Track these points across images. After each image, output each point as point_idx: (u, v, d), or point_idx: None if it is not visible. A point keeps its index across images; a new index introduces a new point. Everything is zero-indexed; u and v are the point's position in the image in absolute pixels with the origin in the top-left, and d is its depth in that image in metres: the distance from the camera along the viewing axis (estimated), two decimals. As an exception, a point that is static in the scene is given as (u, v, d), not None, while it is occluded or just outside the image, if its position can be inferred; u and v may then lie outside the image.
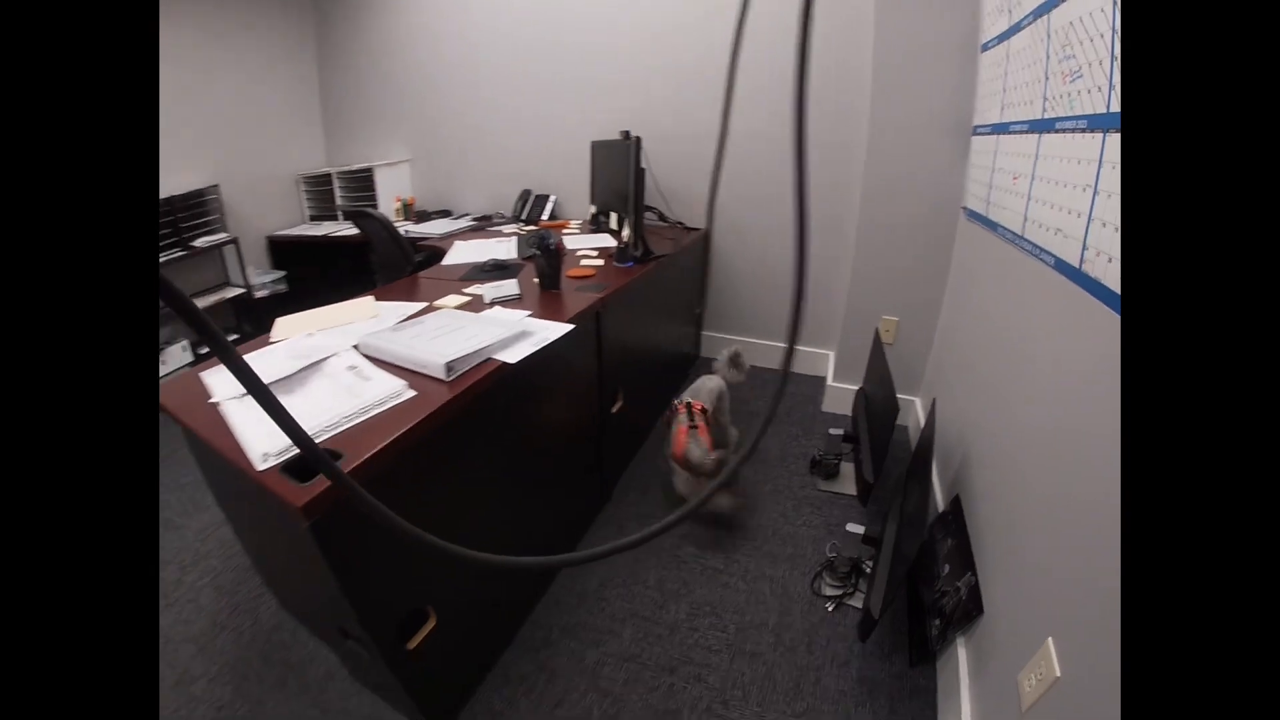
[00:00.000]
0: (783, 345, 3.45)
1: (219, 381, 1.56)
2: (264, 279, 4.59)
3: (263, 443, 1.20)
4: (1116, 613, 0.84)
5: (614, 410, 2.39)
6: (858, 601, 1.99)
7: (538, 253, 2.16)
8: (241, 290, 4.44)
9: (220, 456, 1.26)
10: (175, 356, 4.01)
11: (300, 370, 1.52)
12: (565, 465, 2.17)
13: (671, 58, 3.38)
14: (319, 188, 4.91)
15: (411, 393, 1.41)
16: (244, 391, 1.35)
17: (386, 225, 2.94)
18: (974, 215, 2.22)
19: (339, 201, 4.77)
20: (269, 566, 1.94)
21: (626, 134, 2.95)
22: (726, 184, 3.39)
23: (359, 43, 4.70)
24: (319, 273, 4.58)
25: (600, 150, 3.30)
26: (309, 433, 1.17)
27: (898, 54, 2.49)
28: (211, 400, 1.48)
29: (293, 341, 1.78)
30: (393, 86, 4.62)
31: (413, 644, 1.44)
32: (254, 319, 4.50)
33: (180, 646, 2.08)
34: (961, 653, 1.58)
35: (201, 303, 4.22)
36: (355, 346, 1.68)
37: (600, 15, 3.52)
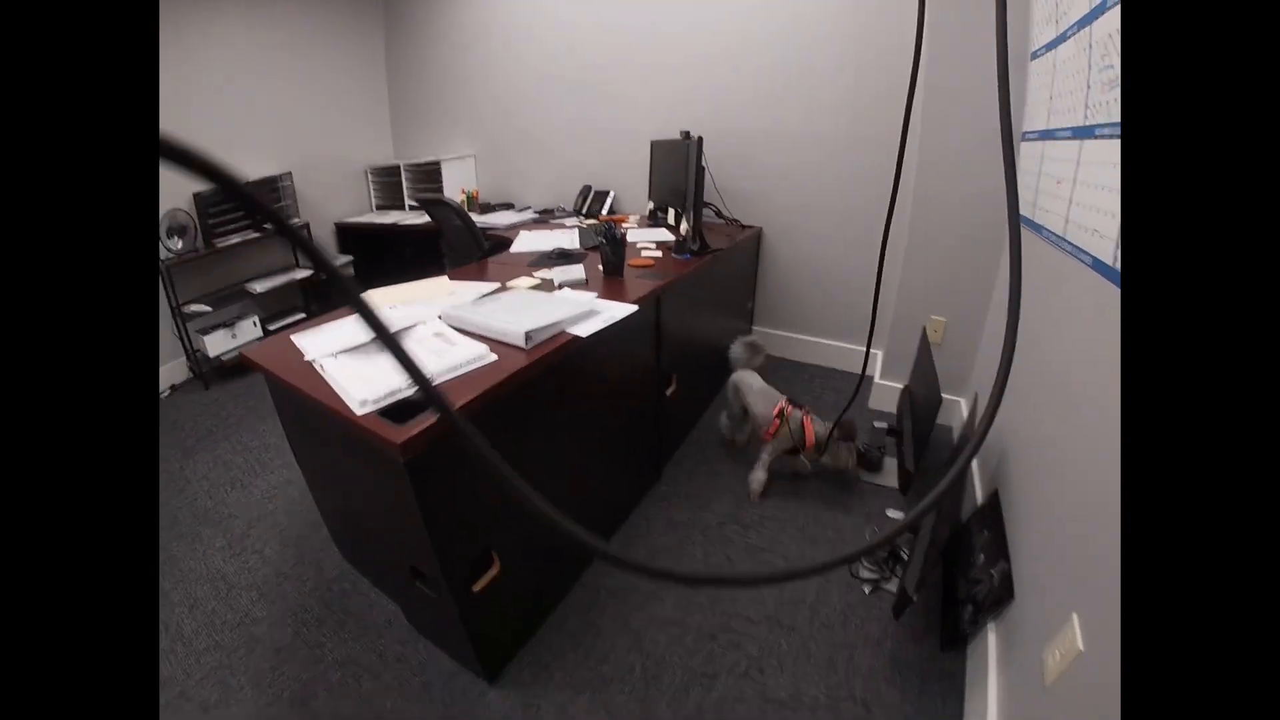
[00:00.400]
0: (831, 342, 3.54)
1: (312, 343, 1.72)
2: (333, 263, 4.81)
3: (361, 391, 1.36)
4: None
5: (668, 394, 2.51)
6: (894, 587, 2.07)
7: (604, 241, 2.30)
8: (310, 273, 4.67)
9: (319, 405, 1.42)
10: (246, 331, 4.27)
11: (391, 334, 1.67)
12: (620, 442, 2.31)
13: (728, 59, 3.49)
14: (386, 179, 5.14)
15: (493, 357, 1.56)
16: (339, 350, 1.52)
17: (460, 213, 3.10)
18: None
19: (406, 192, 4.98)
20: (345, 516, 2.10)
21: (687, 134, 3.06)
22: (781, 183, 3.49)
23: (427, 42, 4.93)
24: (384, 258, 4.80)
25: (659, 149, 3.41)
26: (407, 388, 1.33)
27: (949, 60, 2.56)
28: (307, 359, 1.63)
29: (380, 311, 1.93)
30: (458, 84, 4.84)
31: (478, 586, 1.58)
32: (320, 300, 4.74)
33: (243, 592, 2.27)
34: (991, 638, 1.65)
35: (271, 283, 4.47)
36: (439, 317, 1.83)
37: (661, 18, 3.65)
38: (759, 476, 2.50)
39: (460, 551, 1.53)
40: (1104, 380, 1.26)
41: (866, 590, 2.08)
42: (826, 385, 3.47)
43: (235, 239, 4.27)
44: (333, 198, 5.07)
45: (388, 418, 1.30)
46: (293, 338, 1.80)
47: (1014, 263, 0.59)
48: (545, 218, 4.10)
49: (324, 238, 5.01)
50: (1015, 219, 0.56)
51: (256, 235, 4.33)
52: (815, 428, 2.44)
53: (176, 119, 4.11)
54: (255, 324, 4.32)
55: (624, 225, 3.49)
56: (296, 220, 4.55)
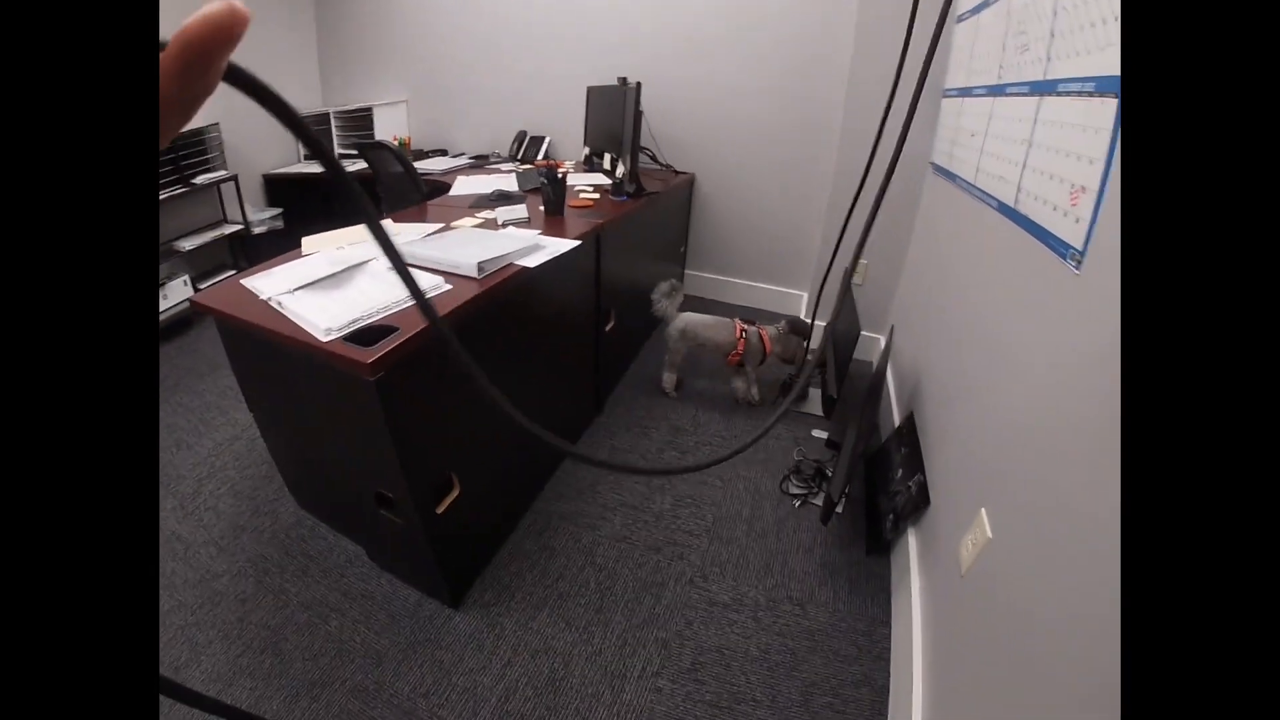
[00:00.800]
0: (761, 285, 3.69)
1: (265, 283, 1.75)
2: (261, 215, 4.72)
3: (325, 321, 1.42)
4: (1033, 482, 1.05)
5: (607, 329, 2.61)
6: (821, 501, 2.24)
7: (544, 183, 2.37)
8: (239, 227, 4.55)
9: (282, 339, 1.48)
10: (177, 291, 4.16)
11: (345, 270, 1.73)
12: (563, 374, 2.42)
13: (664, 8, 3.54)
14: (316, 127, 4.86)
15: (449, 286, 1.64)
16: (295, 287, 1.57)
17: (401, 156, 3.11)
18: (939, 169, 2.44)
19: (336, 140, 4.89)
20: (303, 460, 2.15)
21: (624, 80, 3.12)
22: (716, 131, 3.59)
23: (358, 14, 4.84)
24: (314, 209, 4.70)
25: (596, 95, 3.46)
26: (370, 315, 1.40)
27: (880, 17, 2.68)
28: (263, 298, 1.67)
29: (327, 253, 1.98)
30: (390, 28, 4.73)
31: (440, 507, 1.68)
32: (250, 254, 4.63)
33: (201, 549, 2.28)
34: (912, 541, 1.82)
35: (200, 239, 4.35)
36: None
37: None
38: (752, 391, 2.83)
39: (423, 474, 1.61)
40: (1005, 311, 1.41)
41: (796, 505, 2.24)
42: (756, 326, 3.65)
43: (161, 195, 4.14)
44: (260, 149, 4.92)
45: (355, 341, 1.37)
46: (243, 281, 1.82)
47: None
48: (480, 163, 4.10)
49: (253, 190, 4.88)
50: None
51: (182, 190, 4.20)
52: (771, 336, 2.68)
53: None
54: (186, 283, 4.20)
55: (561, 169, 3.55)
56: (224, 173, 4.42)
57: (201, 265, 4.49)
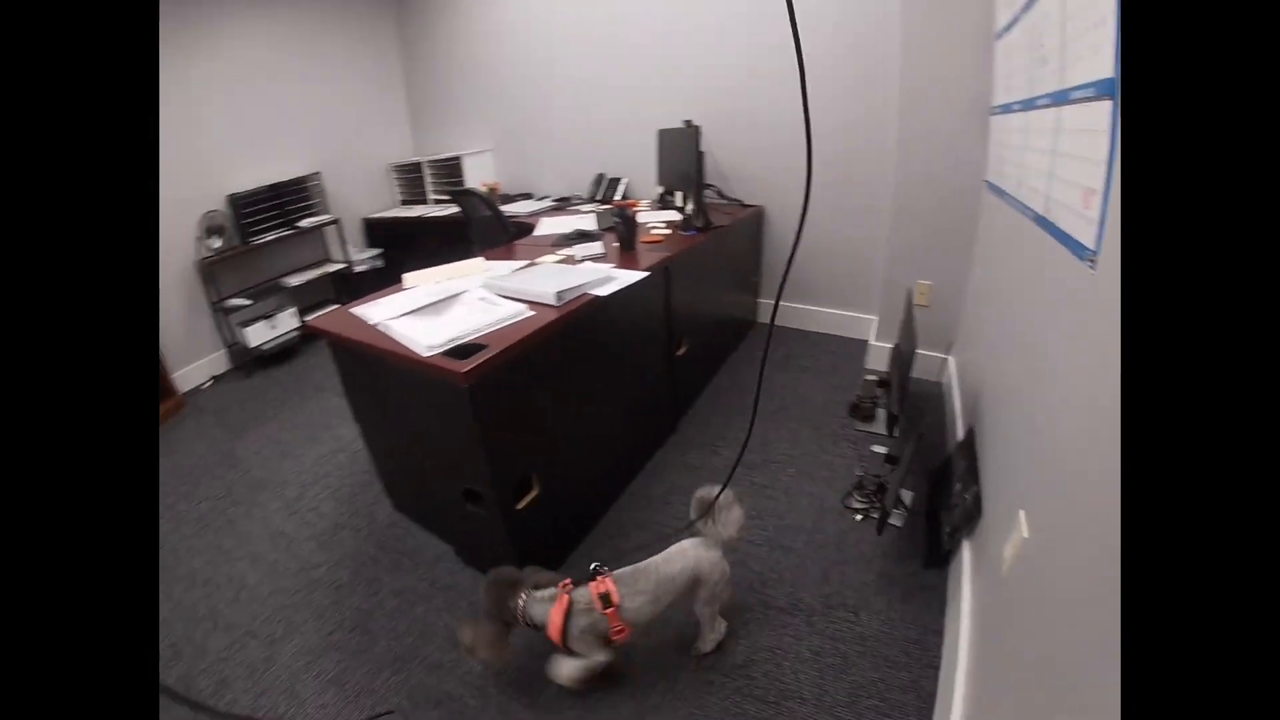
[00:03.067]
0: (833, 310, 3.79)
1: (373, 311, 2.03)
2: (363, 256, 5.15)
3: (425, 339, 1.70)
4: (1062, 479, 1.07)
5: (679, 353, 2.79)
6: (878, 516, 2.33)
7: (618, 221, 2.59)
8: (342, 265, 5.00)
9: (388, 355, 1.77)
10: (285, 321, 4.60)
11: (442, 300, 1.99)
12: (640, 395, 2.62)
13: (729, 52, 3.75)
14: (409, 175, 5.46)
15: (531, 313, 1.88)
16: (399, 313, 1.82)
17: (488, 202, 3.40)
18: (992, 187, 2.51)
19: (430, 187, 5.29)
20: (401, 464, 2.41)
21: (688, 122, 3.32)
22: (781, 163, 3.74)
23: (437, 40, 5.27)
24: (412, 249, 5.07)
25: (666, 137, 3.67)
26: (465, 335, 1.64)
27: (924, 41, 2.78)
28: (372, 322, 1.94)
29: (426, 286, 2.25)
30: (472, 81, 5.16)
31: (520, 504, 1.91)
32: (351, 291, 5.03)
33: (303, 544, 2.59)
34: (966, 553, 1.86)
35: (304, 277, 4.81)
36: (482, 285, 2.14)
37: (664, 14, 3.92)
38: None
39: (506, 472, 1.85)
40: (1039, 316, 1.48)
41: (857, 519, 2.33)
42: (826, 351, 3.74)
43: (270, 236, 4.58)
44: (359, 194, 5.40)
45: (452, 355, 1.64)
46: (352, 309, 2.12)
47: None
48: (563, 205, 4.38)
49: (353, 233, 5.34)
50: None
51: (288, 232, 4.64)
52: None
53: (212, 125, 4.46)
54: (293, 315, 4.63)
55: (636, 208, 3.76)
56: (327, 217, 4.86)
57: (307, 299, 4.93)
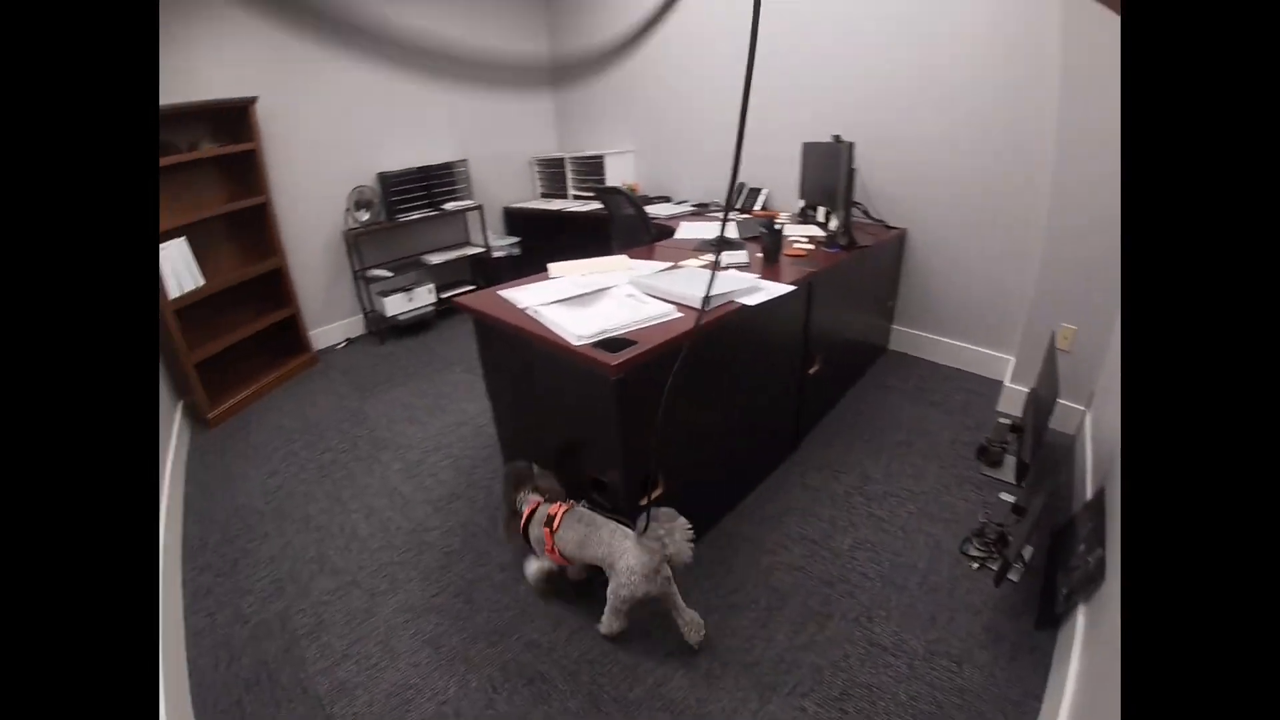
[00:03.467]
0: (968, 346, 3.64)
1: (523, 296, 2.11)
2: (501, 243, 5.34)
3: (576, 328, 1.75)
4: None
5: (811, 372, 2.76)
6: (998, 567, 2.22)
7: (764, 231, 2.58)
8: (480, 250, 5.20)
9: (537, 339, 1.84)
10: (422, 296, 4.81)
11: (591, 292, 2.04)
12: (768, 407, 2.60)
13: (876, 67, 3.66)
14: (551, 169, 5.62)
15: (679, 314, 1.90)
16: (549, 301, 1.88)
17: (634, 201, 3.46)
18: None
19: (571, 182, 5.44)
20: (532, 439, 2.43)
21: (838, 138, 3.26)
22: (927, 188, 3.63)
23: (585, 40, 5.42)
24: (549, 240, 5.24)
25: (811, 151, 3.62)
26: (615, 329, 1.67)
27: (1087, 61, 2.59)
28: (521, 307, 2.00)
29: (573, 277, 2.31)
30: (618, 83, 5.28)
31: (644, 501, 1.91)
32: (487, 275, 5.24)
33: (418, 506, 2.69)
34: (1080, 619, 1.75)
35: (444, 256, 5.05)
36: (629, 283, 2.18)
37: (812, 27, 3.86)
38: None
39: (636, 467, 1.87)
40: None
41: (974, 567, 2.24)
42: (958, 388, 3.59)
43: (415, 215, 4.81)
44: (502, 184, 5.63)
45: (603, 347, 1.68)
46: (500, 292, 2.20)
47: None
48: (701, 210, 4.39)
49: (493, 220, 5.57)
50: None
51: (433, 214, 4.86)
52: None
53: (368, 105, 4.80)
54: (430, 291, 4.84)
55: (776, 220, 3.74)
56: (470, 202, 5.08)
57: (444, 278, 5.16)
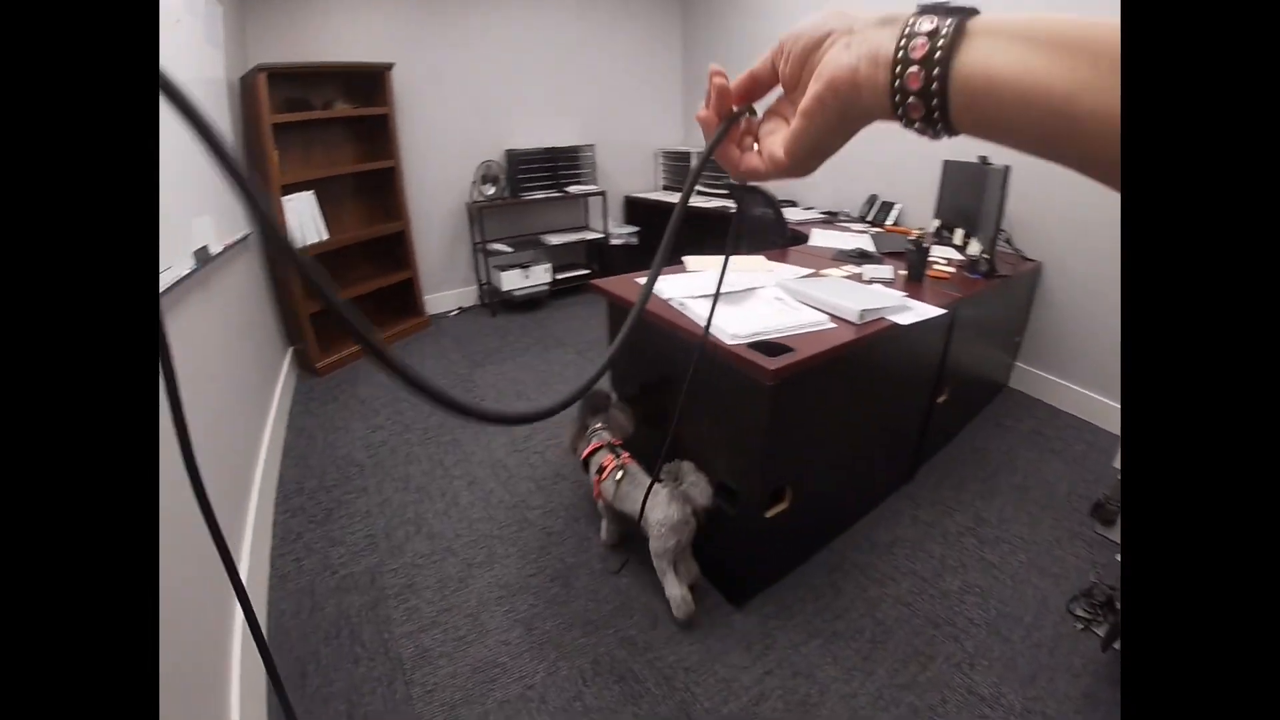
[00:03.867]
0: (1099, 398, 3.45)
1: (670, 286, 2.08)
2: (620, 230, 5.34)
3: (730, 327, 1.70)
4: None
5: (940, 400, 2.65)
6: (1103, 631, 2.10)
7: (910, 249, 2.48)
8: (599, 236, 5.22)
9: (681, 332, 1.82)
10: (539, 275, 4.88)
11: (740, 291, 1.99)
12: (889, 432, 2.50)
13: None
14: (676, 162, 5.60)
15: (832, 325, 1.82)
16: (695, 294, 1.84)
17: (773, 202, 3.39)
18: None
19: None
20: (651, 432, 2.41)
21: (984, 159, 3.13)
22: (1068, 223, 3.44)
23: (718, 36, 5.37)
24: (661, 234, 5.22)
25: (953, 170, 3.48)
26: (769, 333, 1.62)
27: None
28: (665, 297, 1.98)
29: (714, 272, 2.26)
30: None
31: (770, 513, 1.87)
32: (604, 261, 5.27)
33: (522, 482, 2.70)
34: None
35: (563, 238, 5.13)
36: (778, 285, 2.13)
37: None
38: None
39: (770, 477, 1.82)
40: None
41: (1078, 628, 2.12)
42: (1078, 437, 3.40)
43: (538, 195, 4.87)
44: (625, 172, 5.64)
45: (759, 350, 1.63)
46: (638, 279, 2.17)
47: None
48: (831, 219, 4.27)
49: (614, 207, 5.61)
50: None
51: (556, 195, 4.90)
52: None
53: (500, 83, 4.92)
54: (547, 270, 4.89)
55: (921, 238, 3.61)
56: (594, 188, 5.09)
57: (561, 259, 5.23)
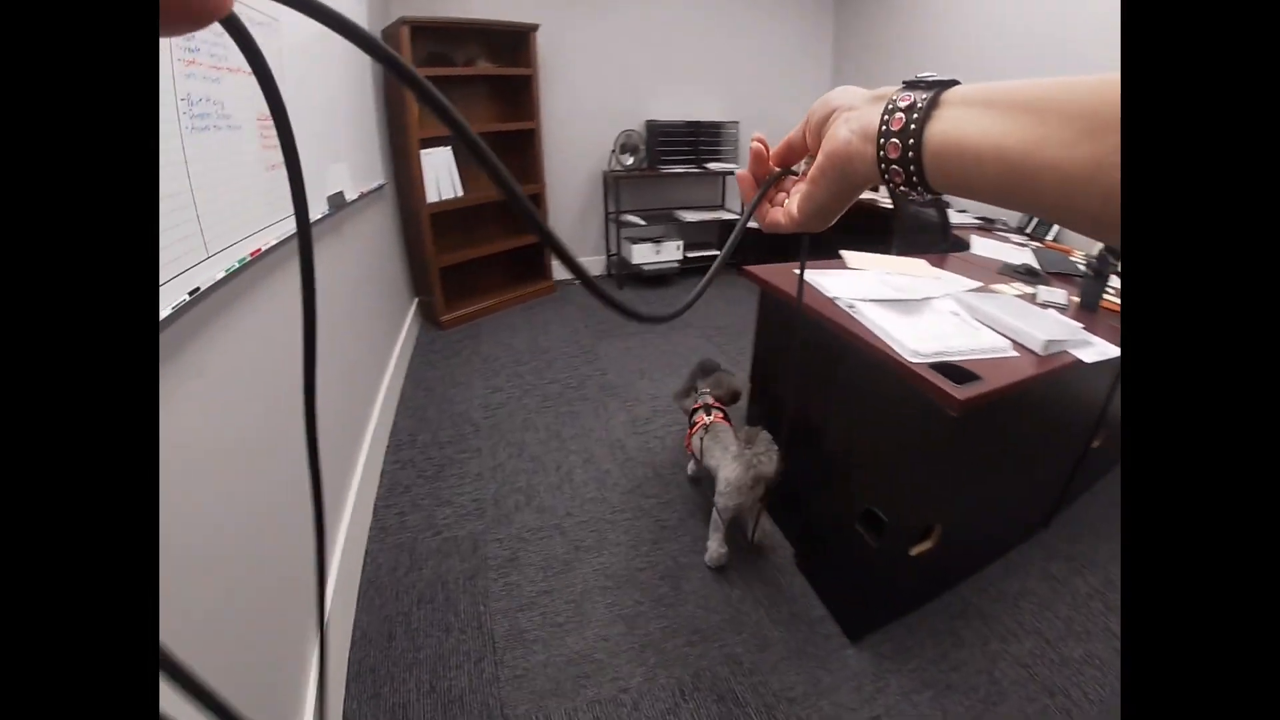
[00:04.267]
0: None
1: (829, 283, 1.95)
2: (757, 213, 5.20)
3: (910, 342, 1.54)
4: None
5: (1094, 445, 2.40)
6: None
7: (1090, 273, 2.24)
8: (735, 217, 5.06)
9: (851, 338, 1.67)
10: (669, 251, 4.80)
11: (910, 299, 1.83)
12: (1040, 474, 2.29)
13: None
14: (819, 151, 5.38)
15: (1015, 354, 1.62)
16: (864, 298, 1.69)
17: (941, 203, 3.17)
18: None
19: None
20: (792, 436, 2.23)
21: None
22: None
23: (872, 23, 5.11)
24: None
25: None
26: (953, 355, 1.46)
27: None
28: (830, 296, 1.86)
29: (880, 273, 2.12)
30: (902, 72, 4.85)
31: (915, 550, 1.73)
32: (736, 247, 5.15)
33: (639, 467, 2.62)
34: None
35: (697, 216, 4.97)
36: (951, 298, 1.95)
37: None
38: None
39: (921, 513, 1.69)
40: None
41: None
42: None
43: (677, 169, 4.76)
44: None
45: (943, 373, 1.46)
46: (795, 271, 2.02)
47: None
48: (988, 225, 3.96)
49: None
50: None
51: (695, 171, 4.77)
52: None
53: (645, 53, 4.85)
54: (679, 248, 4.79)
55: (1082, 260, 3.33)
56: (733, 166, 4.94)
57: (692, 237, 5.09)
